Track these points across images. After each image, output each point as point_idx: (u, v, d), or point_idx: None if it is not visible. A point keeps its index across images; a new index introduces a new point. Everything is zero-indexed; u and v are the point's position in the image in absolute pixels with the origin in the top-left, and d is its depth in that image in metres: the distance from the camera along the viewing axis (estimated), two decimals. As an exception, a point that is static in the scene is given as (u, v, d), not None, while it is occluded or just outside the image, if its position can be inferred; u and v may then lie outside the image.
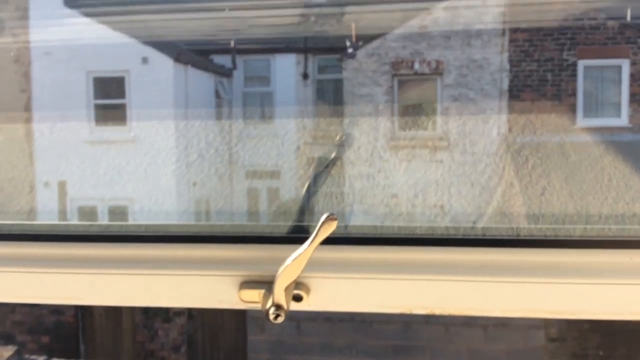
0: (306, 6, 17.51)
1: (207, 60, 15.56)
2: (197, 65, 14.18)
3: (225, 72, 15.58)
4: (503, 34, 12.05)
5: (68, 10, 12.99)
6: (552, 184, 10.23)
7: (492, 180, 12.11)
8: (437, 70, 12.36)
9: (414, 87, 12.54)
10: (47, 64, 13.02)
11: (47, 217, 12.78)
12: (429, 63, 12.41)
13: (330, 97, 15.21)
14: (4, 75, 13.15)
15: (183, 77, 13.36)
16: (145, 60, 12.80)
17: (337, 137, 13.52)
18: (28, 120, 13.13)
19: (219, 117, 15.39)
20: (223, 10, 16.46)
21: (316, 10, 17.47)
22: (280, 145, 15.68)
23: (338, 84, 14.24)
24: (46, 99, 12.98)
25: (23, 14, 13.30)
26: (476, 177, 12.29)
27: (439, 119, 12.45)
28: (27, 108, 13.07)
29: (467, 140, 12.32)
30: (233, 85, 16.21)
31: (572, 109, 11.61)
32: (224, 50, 15.78)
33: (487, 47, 12.16)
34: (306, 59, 15.98)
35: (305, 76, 15.97)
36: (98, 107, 13.02)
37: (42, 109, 12.99)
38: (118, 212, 13.20)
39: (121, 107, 12.91)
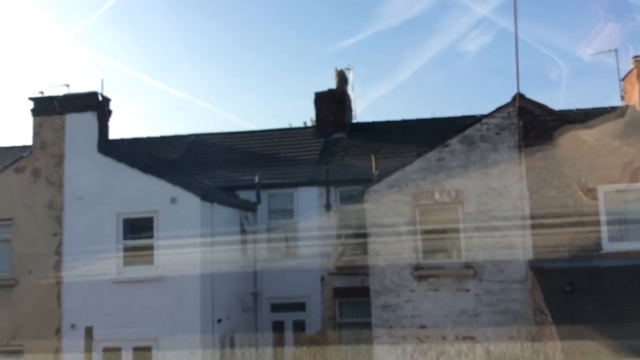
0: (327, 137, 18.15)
1: (233, 196, 16.03)
2: (223, 202, 14.57)
3: (250, 207, 15.97)
4: (520, 162, 12.30)
5: (101, 157, 13.71)
6: (586, 313, 9.86)
7: (525, 308, 11.82)
8: (458, 199, 12.52)
9: (435, 216, 12.64)
10: (79, 207, 13.52)
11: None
12: (449, 192, 12.61)
13: (354, 228, 15.36)
14: (37, 221, 13.65)
15: (209, 214, 13.68)
16: (174, 200, 13.21)
17: (362, 267, 13.46)
18: (58, 263, 13.42)
19: (244, 251, 15.56)
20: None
21: (337, 143, 18.08)
22: (304, 276, 15.68)
23: (360, 214, 14.43)
24: (77, 241, 13.32)
25: (59, 161, 14.06)
26: (506, 305, 12.02)
27: (463, 247, 12.42)
28: (58, 251, 13.40)
29: (494, 267, 12.18)
30: (258, 219, 16.55)
31: (597, 234, 11.54)
32: (249, 185, 16.30)
33: (505, 176, 12.37)
34: (328, 191, 16.37)
35: (328, 207, 16.28)
36: (127, 248, 13.29)
37: (72, 251, 13.29)
38: (143, 352, 13.04)
39: (149, 247, 13.16)
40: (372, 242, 12.89)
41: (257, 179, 16.22)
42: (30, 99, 14.34)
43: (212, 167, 17.82)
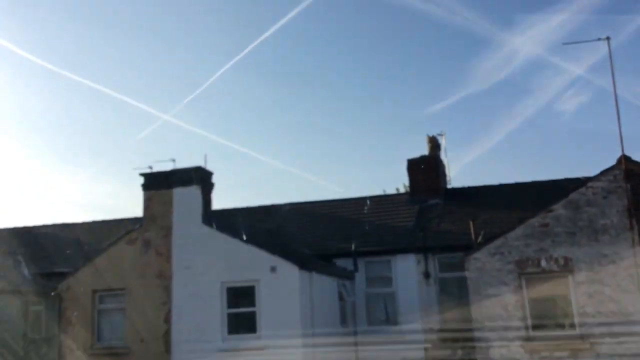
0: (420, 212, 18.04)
1: (330, 264, 16.17)
2: (321, 271, 14.72)
3: (347, 275, 16.01)
4: (631, 227, 11.73)
5: (205, 227, 14.33)
6: None
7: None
8: (567, 267, 12.02)
9: (543, 284, 12.16)
10: (186, 277, 14.07)
11: None
12: (556, 260, 12.14)
13: (455, 296, 15.01)
14: (148, 290, 14.30)
15: (308, 283, 13.85)
16: (273, 269, 13.51)
17: (466, 339, 13.03)
18: (167, 331, 13.90)
19: (343, 320, 15.51)
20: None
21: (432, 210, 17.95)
22: (406, 347, 15.33)
23: (462, 283, 14.11)
24: (184, 309, 13.81)
25: (167, 232, 14.80)
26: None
27: (576, 317, 11.80)
28: (167, 320, 13.93)
29: (612, 340, 11.43)
30: (356, 287, 16.53)
31: None
32: (346, 253, 16.41)
33: (617, 242, 11.80)
34: (426, 258, 16.18)
35: (426, 275, 16.04)
36: (231, 316, 13.62)
37: (180, 320, 13.77)
38: None
39: (251, 315, 13.43)
40: (476, 312, 12.53)
41: (353, 246, 16.31)
42: (141, 174, 15.32)
43: (309, 235, 18.10)
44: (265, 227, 18.89)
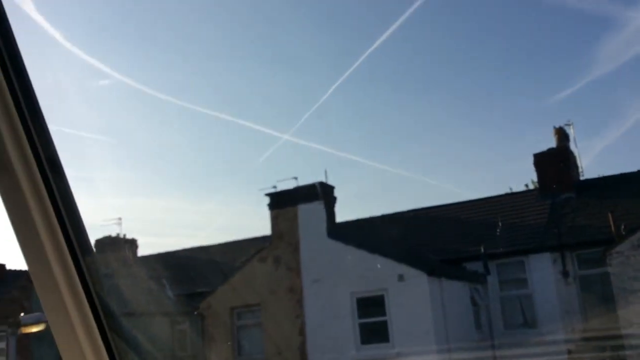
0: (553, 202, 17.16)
1: (460, 269, 15.78)
2: (450, 276, 14.42)
3: (479, 279, 15.52)
4: None
5: (331, 241, 14.60)
6: None
7: None
8: None
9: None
10: (316, 290, 14.40)
11: None
12: None
13: (598, 294, 14.03)
14: (281, 305, 14.81)
15: (438, 290, 13.61)
16: (401, 277, 13.44)
17: (613, 337, 12.14)
18: (302, 344, 14.27)
19: (478, 325, 15.03)
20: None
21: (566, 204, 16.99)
22: (547, 350, 14.54)
23: (604, 280, 13.18)
24: (317, 321, 14.13)
25: (295, 248, 15.25)
26: None
27: None
28: (302, 332, 14.31)
29: None
30: (489, 291, 15.97)
31: None
32: (475, 257, 15.92)
33: None
34: (563, 256, 15.27)
35: (565, 274, 15.13)
36: (362, 326, 13.72)
37: (313, 332, 14.09)
38: None
39: (383, 324, 13.43)
40: (622, 310, 11.65)
41: (483, 249, 15.81)
42: (267, 194, 15.94)
43: (435, 240, 17.80)
44: (389, 235, 18.86)
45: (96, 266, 1.41)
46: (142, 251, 23.58)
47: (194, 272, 19.23)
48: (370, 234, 18.25)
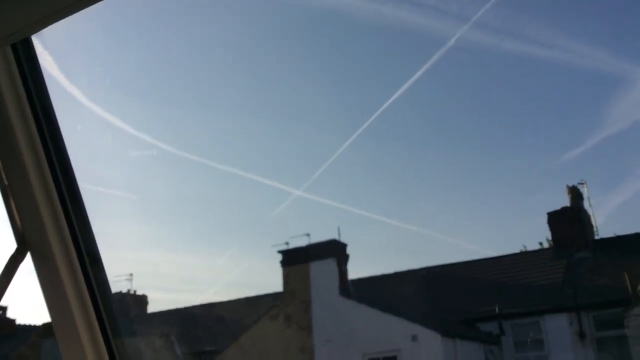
0: (568, 264, 16.97)
1: (474, 329, 15.47)
2: (464, 337, 14.15)
3: (493, 340, 15.19)
4: None
5: (343, 299, 14.44)
6: None
7: None
8: None
9: None
10: (328, 350, 14.14)
11: None
12: None
13: (616, 357, 13.66)
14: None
15: (452, 351, 13.34)
16: (414, 337, 13.20)
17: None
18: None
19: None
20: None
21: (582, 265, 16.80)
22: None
23: (623, 342, 12.87)
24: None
25: (306, 306, 15.08)
26: None
27: None
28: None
29: None
30: (504, 352, 15.60)
31: None
32: (490, 317, 15.64)
33: None
34: (579, 317, 14.97)
35: (581, 335, 14.78)
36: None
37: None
38: None
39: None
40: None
41: (497, 309, 15.54)
42: (279, 251, 15.91)
43: (449, 300, 17.54)
44: (403, 294, 18.64)
45: (117, 328, 1.42)
46: (152, 307, 23.41)
47: (204, 329, 18.98)
48: (383, 292, 18.04)
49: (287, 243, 16.01)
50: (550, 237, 19.41)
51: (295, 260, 15.59)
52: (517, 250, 22.18)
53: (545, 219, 18.83)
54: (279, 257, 15.91)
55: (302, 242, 15.84)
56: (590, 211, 19.17)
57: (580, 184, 19.28)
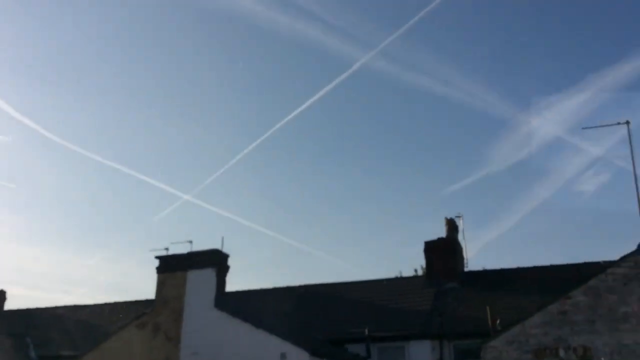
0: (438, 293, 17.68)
1: (343, 350, 15.71)
2: (332, 357, 14.30)
3: (360, 362, 15.53)
4: (654, 316, 11.29)
5: (217, 311, 14.14)
6: None
7: None
8: (586, 357, 11.52)
9: (563, 376, 11.64)
10: (194, 362, 13.77)
11: None
12: (575, 350, 11.66)
13: (471, 385, 14.37)
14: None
15: (320, 370, 13.44)
16: (283, 355, 13.18)
17: None
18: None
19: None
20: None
21: (450, 299, 17.56)
22: None
23: (478, 371, 13.53)
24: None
25: (178, 316, 14.62)
26: None
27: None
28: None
29: None
30: (368, 374, 15.96)
31: None
32: (359, 339, 15.97)
33: (638, 332, 11.33)
34: (442, 345, 15.63)
35: (441, 363, 15.44)
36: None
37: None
38: None
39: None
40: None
41: (366, 331, 15.89)
42: (157, 257, 15.33)
43: (323, 319, 17.73)
44: (279, 310, 18.60)
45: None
46: (10, 304, 21.76)
47: (63, 333, 17.86)
48: (259, 307, 17.91)
49: (166, 249, 15.49)
50: (424, 265, 20.20)
51: (172, 267, 15.10)
52: (393, 275, 22.94)
53: (422, 247, 19.62)
54: (157, 262, 15.36)
55: (184, 248, 15.41)
56: (463, 244, 20.21)
57: (457, 217, 20.30)
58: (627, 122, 13.43)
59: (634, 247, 12.14)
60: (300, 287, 20.40)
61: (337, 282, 20.41)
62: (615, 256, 12.42)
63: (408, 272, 26.97)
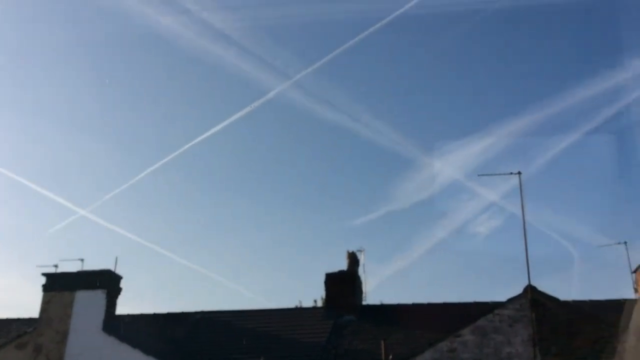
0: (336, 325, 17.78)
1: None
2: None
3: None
4: (534, 357, 11.89)
5: (105, 335, 13.50)
6: None
7: None
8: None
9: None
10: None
11: None
12: (463, 388, 12.05)
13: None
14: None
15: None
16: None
17: None
18: None
19: None
20: None
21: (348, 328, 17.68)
22: None
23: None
24: None
25: (62, 338, 13.82)
26: None
27: None
28: None
29: None
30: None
31: None
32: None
33: (521, 372, 11.90)
34: (336, 378, 15.67)
35: (335, 396, 15.45)
36: None
37: None
38: None
39: None
40: None
41: (261, 362, 15.67)
42: (44, 274, 14.48)
43: (216, 347, 17.31)
44: (172, 336, 17.99)
45: None
46: None
47: None
48: (151, 332, 17.24)
49: (55, 265, 14.68)
50: (324, 296, 20.28)
51: (60, 285, 14.33)
52: (293, 305, 22.85)
53: (323, 278, 19.72)
54: (43, 280, 14.50)
55: (74, 267, 14.65)
56: (363, 277, 20.50)
57: (359, 250, 20.61)
58: (519, 173, 14.27)
59: (520, 291, 12.79)
60: (196, 313, 19.86)
61: (234, 309, 20.05)
62: (503, 298, 13.07)
63: (308, 303, 26.98)
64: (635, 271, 16.34)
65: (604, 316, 12.62)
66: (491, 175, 15.38)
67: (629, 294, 16.60)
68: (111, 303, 14.17)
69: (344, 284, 19.23)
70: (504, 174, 14.45)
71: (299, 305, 23.66)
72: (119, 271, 14.52)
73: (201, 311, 19.98)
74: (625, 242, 16.73)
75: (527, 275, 12.77)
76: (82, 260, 14.68)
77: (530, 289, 12.61)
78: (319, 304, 26.38)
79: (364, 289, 20.37)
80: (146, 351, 13.24)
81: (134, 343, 13.46)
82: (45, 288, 14.23)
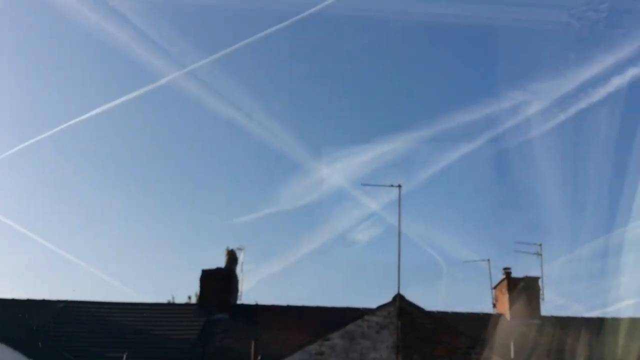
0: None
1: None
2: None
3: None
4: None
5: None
6: None
7: None
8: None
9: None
10: None
11: None
12: (328, 391, 12.26)
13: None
14: None
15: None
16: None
17: None
18: None
19: None
20: None
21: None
22: None
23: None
24: None
25: None
26: None
27: None
28: None
29: None
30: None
31: None
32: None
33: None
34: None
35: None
36: None
37: None
38: None
39: None
40: None
41: (125, 357, 15.08)
42: None
43: (79, 339, 16.46)
44: (32, 324, 16.87)
45: None
46: None
47: None
48: (7, 319, 16.09)
49: None
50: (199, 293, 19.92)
51: None
52: (165, 300, 22.27)
53: (199, 274, 19.34)
54: None
55: None
56: (241, 276, 20.34)
57: (239, 249, 20.43)
58: (399, 186, 14.83)
59: (390, 299, 13.25)
60: (59, 301, 18.78)
61: (103, 301, 19.17)
62: (375, 304, 13.49)
63: (182, 299, 26.39)
64: (494, 287, 17.51)
65: (463, 328, 13.38)
66: (374, 185, 15.89)
67: (488, 308, 17.78)
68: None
69: (219, 282, 18.99)
70: (385, 186, 14.94)
71: (171, 301, 23.12)
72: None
73: (66, 300, 18.92)
74: (489, 260, 17.91)
75: (397, 285, 13.27)
76: None
77: (398, 298, 13.09)
78: (194, 300, 25.92)
79: (240, 288, 20.22)
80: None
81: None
82: None
